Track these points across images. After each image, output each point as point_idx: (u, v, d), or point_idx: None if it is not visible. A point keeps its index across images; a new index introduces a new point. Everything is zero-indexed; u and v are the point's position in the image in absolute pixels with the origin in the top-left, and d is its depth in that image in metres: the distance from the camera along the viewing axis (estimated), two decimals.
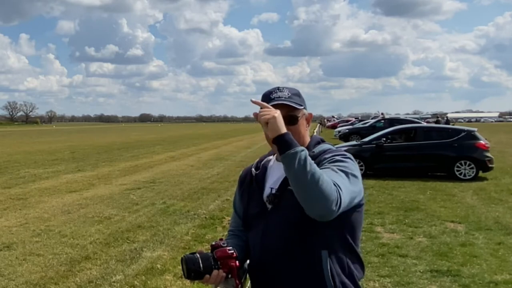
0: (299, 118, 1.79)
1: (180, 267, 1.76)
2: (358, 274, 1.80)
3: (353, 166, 1.71)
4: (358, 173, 1.71)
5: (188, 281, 1.71)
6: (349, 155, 1.77)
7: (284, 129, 1.56)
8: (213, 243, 1.75)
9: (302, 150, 1.51)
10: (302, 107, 1.81)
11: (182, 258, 1.70)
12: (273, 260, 1.78)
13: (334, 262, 1.72)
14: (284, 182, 1.76)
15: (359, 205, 1.75)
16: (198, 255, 1.70)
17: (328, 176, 1.54)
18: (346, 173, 1.64)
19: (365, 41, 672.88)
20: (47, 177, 13.91)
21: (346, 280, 1.74)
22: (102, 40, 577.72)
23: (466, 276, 5.10)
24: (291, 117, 1.76)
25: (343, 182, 1.58)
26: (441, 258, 5.71)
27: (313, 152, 1.80)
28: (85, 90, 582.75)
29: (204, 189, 11.36)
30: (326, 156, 1.75)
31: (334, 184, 1.52)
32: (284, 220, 1.73)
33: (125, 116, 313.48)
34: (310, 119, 1.87)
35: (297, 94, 1.83)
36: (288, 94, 1.79)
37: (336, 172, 1.62)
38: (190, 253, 1.72)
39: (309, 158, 1.51)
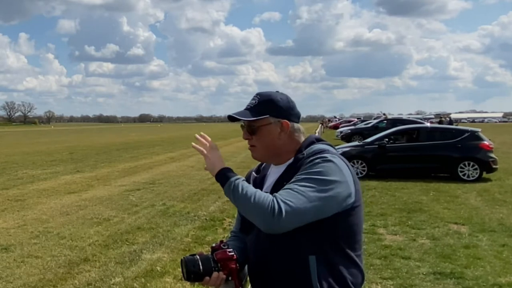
0: (256, 127, 1.79)
1: (180, 269, 1.73)
2: (353, 280, 1.74)
3: (329, 170, 1.66)
4: (337, 175, 1.66)
5: (188, 283, 1.67)
6: (331, 156, 1.71)
7: (216, 169, 1.72)
8: (214, 245, 1.74)
9: (236, 179, 1.66)
10: (266, 116, 1.77)
11: (181, 260, 1.68)
12: (266, 265, 1.77)
13: (324, 267, 1.68)
14: (275, 187, 1.76)
15: (352, 208, 1.70)
16: (198, 257, 1.68)
17: (285, 190, 1.62)
18: (314, 180, 1.62)
19: (368, 41, 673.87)
20: (46, 178, 13.85)
21: (336, 286, 1.69)
22: (102, 39, 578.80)
23: (470, 278, 5.04)
24: (248, 127, 1.81)
25: (301, 191, 1.59)
26: (445, 260, 5.66)
27: (303, 154, 1.76)
28: (85, 90, 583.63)
29: (204, 190, 11.28)
30: (308, 159, 1.71)
31: (276, 200, 1.57)
32: None
33: (124, 116, 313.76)
34: (286, 126, 1.80)
35: (266, 102, 1.80)
36: (255, 102, 1.81)
37: (299, 181, 1.63)
38: (190, 255, 1.70)
39: (241, 185, 1.64)
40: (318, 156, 1.71)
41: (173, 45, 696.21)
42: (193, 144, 1.80)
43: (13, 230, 7.50)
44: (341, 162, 1.71)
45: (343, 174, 1.68)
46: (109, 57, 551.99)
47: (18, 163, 18.37)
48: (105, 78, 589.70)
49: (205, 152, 1.77)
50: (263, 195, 1.60)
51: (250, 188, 1.63)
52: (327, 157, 1.69)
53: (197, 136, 1.82)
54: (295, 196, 1.58)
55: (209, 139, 1.82)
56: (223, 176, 1.69)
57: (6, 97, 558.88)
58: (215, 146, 1.80)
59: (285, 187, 1.65)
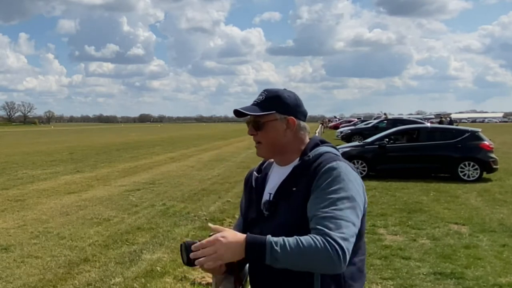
0: (262, 123, 1.76)
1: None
2: (356, 285, 1.72)
3: (349, 182, 1.62)
4: (355, 186, 1.63)
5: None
6: (343, 165, 1.67)
7: (240, 247, 1.50)
8: None
9: (270, 246, 1.46)
10: (273, 111, 1.75)
11: (181, 244, 1.65)
12: (267, 268, 1.70)
13: (328, 276, 1.65)
14: (280, 189, 1.73)
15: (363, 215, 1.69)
16: (198, 241, 1.65)
17: (328, 220, 1.50)
18: (345, 199, 1.57)
19: (368, 41, 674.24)
20: (45, 178, 13.84)
21: None
22: (102, 39, 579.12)
23: (470, 278, 5.04)
24: (254, 122, 1.78)
25: (344, 217, 1.53)
26: (445, 261, 5.65)
27: (309, 156, 1.74)
28: (85, 90, 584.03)
29: (205, 190, 11.28)
30: (323, 169, 1.66)
31: (333, 239, 1.46)
32: (278, 229, 1.64)
33: (124, 116, 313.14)
34: (293, 123, 1.78)
35: (273, 98, 1.77)
36: (262, 98, 1.78)
37: (334, 204, 1.55)
38: (190, 240, 1.68)
39: (280, 243, 1.46)
40: (332, 165, 1.66)
41: (173, 45, 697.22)
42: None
43: (13, 230, 7.49)
44: (349, 168, 1.69)
45: (357, 182, 1.66)
46: (109, 57, 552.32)
47: (18, 163, 18.35)
48: (105, 78, 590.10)
49: (212, 257, 1.51)
50: (311, 240, 1.46)
51: (290, 241, 1.47)
52: (341, 167, 1.66)
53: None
54: (343, 225, 1.51)
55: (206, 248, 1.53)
56: (252, 254, 1.50)
57: (6, 97, 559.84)
58: (212, 238, 1.53)
59: (320, 213, 1.54)
